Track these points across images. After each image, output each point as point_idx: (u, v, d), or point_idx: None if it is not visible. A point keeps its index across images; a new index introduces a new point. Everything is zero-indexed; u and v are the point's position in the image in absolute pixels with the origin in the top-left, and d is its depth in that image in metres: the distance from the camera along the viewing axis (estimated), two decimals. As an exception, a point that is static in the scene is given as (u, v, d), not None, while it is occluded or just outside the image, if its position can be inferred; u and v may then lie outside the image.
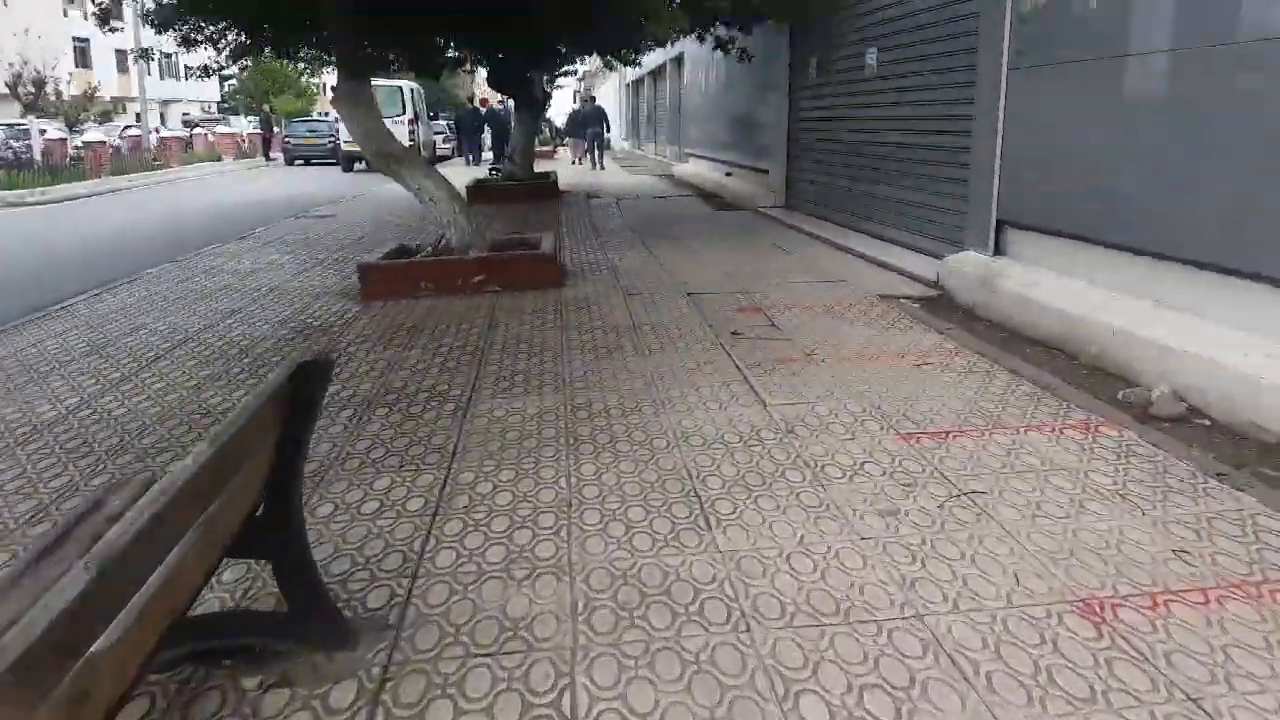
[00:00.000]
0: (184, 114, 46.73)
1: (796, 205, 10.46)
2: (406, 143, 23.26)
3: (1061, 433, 3.20)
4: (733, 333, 4.83)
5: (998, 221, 5.43)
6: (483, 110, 24.90)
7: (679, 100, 21.54)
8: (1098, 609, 2.06)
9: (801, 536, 2.48)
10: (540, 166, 17.98)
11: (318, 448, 3.33)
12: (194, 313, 5.79)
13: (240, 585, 2.35)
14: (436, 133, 29.51)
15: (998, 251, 5.47)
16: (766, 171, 11.57)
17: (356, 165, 24.62)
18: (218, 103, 51.17)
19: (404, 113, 23.32)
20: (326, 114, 26.50)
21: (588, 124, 22.67)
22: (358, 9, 5.54)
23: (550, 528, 2.59)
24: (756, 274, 6.54)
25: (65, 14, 39.17)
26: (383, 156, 6.04)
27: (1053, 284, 4.70)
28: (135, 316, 5.70)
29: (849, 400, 3.66)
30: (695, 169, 16.79)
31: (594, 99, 24.77)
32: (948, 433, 3.23)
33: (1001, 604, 2.10)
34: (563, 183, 14.62)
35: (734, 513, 2.65)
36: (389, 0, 5.87)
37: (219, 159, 27.56)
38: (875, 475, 2.89)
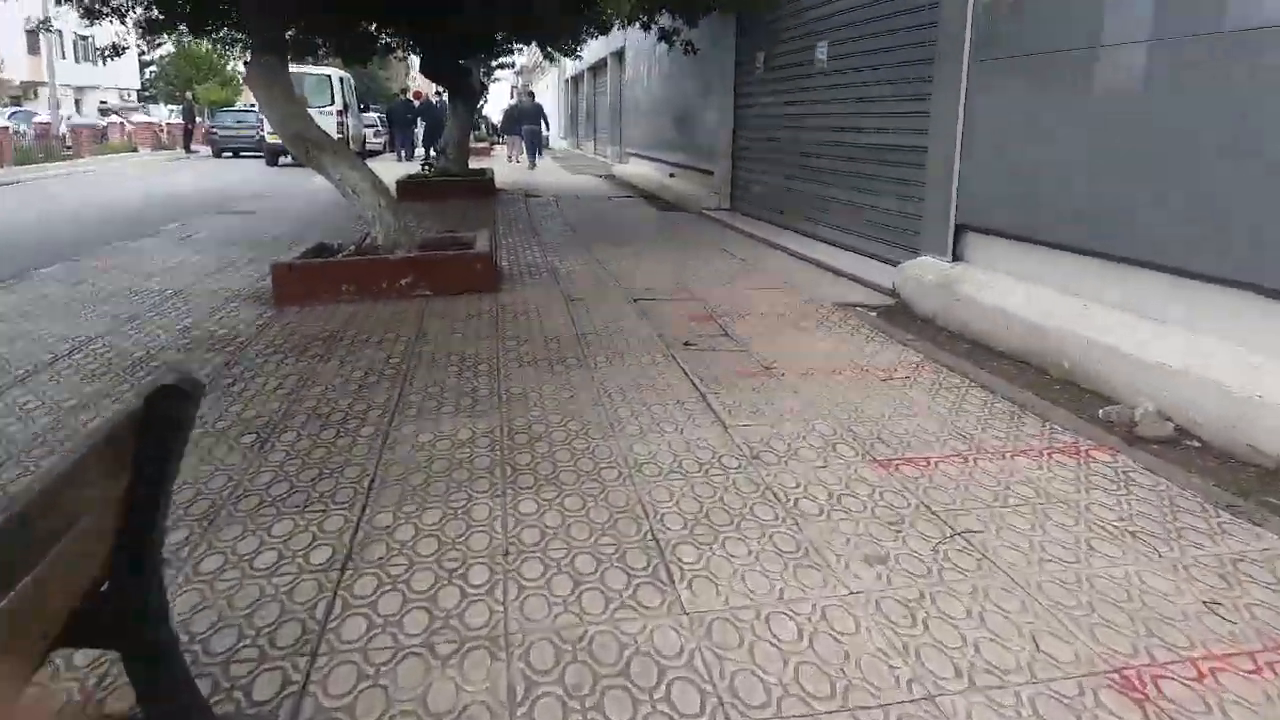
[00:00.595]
0: (101, 101, 44.29)
1: (742, 207, 10.19)
2: (335, 135, 22.40)
3: (1050, 457, 2.93)
4: (685, 343, 4.47)
5: (957, 226, 5.19)
6: (416, 103, 24.15)
7: (619, 97, 21.17)
8: (1137, 682, 1.75)
9: (781, 591, 2.12)
10: (477, 163, 17.40)
11: (210, 482, 2.85)
12: (87, 319, 5.16)
13: (95, 671, 1.88)
14: (368, 125, 28.52)
15: (956, 257, 5.24)
16: (711, 172, 11.28)
17: (282, 159, 23.56)
18: (138, 90, 48.75)
19: (333, 103, 22.40)
20: (254, 104, 25.35)
21: (524, 120, 22.14)
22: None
23: (482, 585, 2.18)
24: (705, 279, 6.20)
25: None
26: (301, 142, 5.51)
27: (1020, 292, 4.47)
28: (17, 323, 5.05)
29: (816, 420, 3.33)
30: (637, 169, 16.45)
31: (532, 95, 24.24)
32: (929, 459, 2.92)
33: (1025, 678, 1.78)
34: (499, 181, 14.09)
35: (699, 561, 2.28)
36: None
37: (134, 150, 26.09)
38: (855, 511, 2.55)
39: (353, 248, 6.07)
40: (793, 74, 8.29)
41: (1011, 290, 4.54)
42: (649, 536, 2.42)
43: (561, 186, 14.94)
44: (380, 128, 28.14)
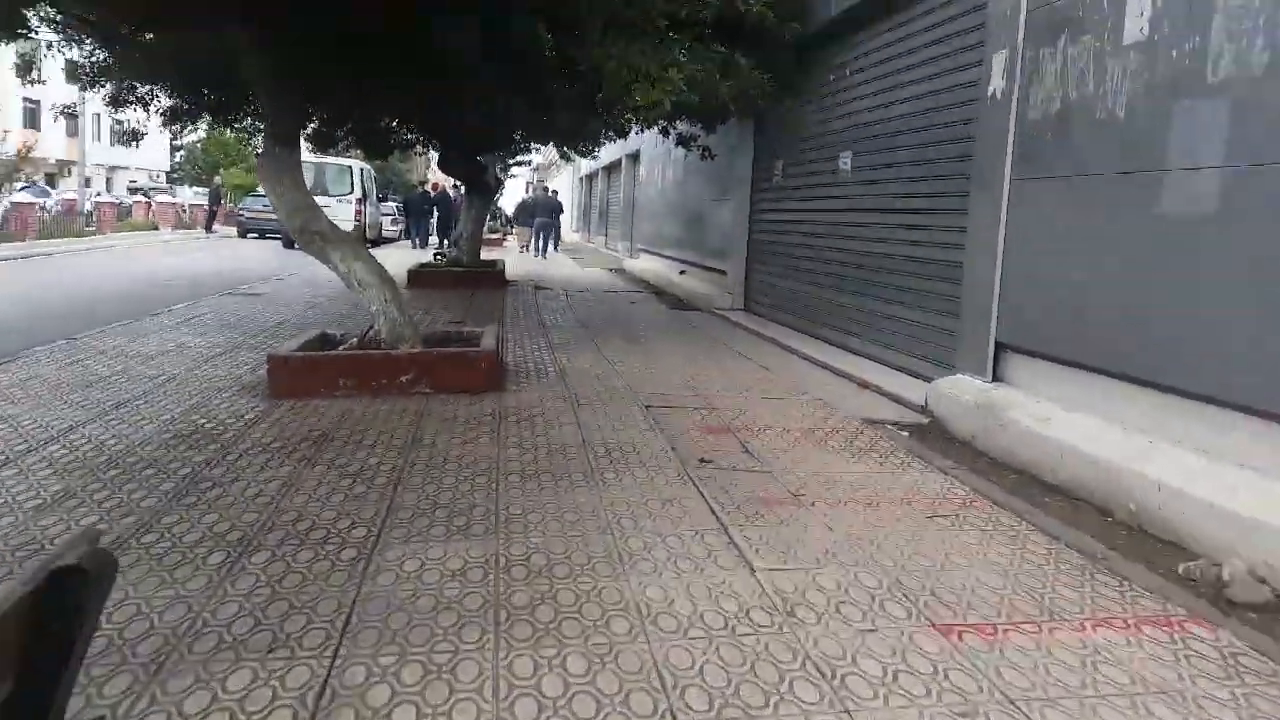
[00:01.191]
0: (130, 181, 45.42)
1: (756, 309, 9.97)
2: (353, 223, 22.65)
3: (1139, 630, 2.51)
4: (701, 460, 4.10)
5: (997, 344, 4.89)
6: (433, 193, 24.57)
7: (633, 195, 21.42)
8: None
9: (835, 813, 1.69)
10: (489, 254, 17.43)
11: (167, 613, 2.46)
12: (71, 405, 4.83)
13: None
14: (385, 214, 29.02)
15: (996, 378, 4.91)
16: (724, 272, 11.13)
17: (299, 242, 23.79)
18: (167, 172, 50.11)
19: (352, 192, 22.81)
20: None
21: (537, 213, 22.68)
22: (278, 70, 4.88)
23: (464, 785, 1.76)
24: (720, 385, 5.87)
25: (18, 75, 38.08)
26: (307, 234, 5.30)
27: (1076, 423, 4.11)
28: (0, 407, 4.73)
29: (859, 567, 2.92)
30: (647, 265, 16.41)
31: (546, 189, 24.81)
32: (995, 626, 2.50)
33: None
34: (510, 272, 14.01)
35: (732, 761, 1.85)
36: (320, 64, 5.21)
37: (155, 228, 26.42)
38: (917, 695, 2.13)
39: (355, 340, 5.79)
40: (813, 181, 8.19)
41: (1063, 418, 4.19)
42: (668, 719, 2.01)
43: (572, 280, 14.86)
44: (397, 216, 28.58)
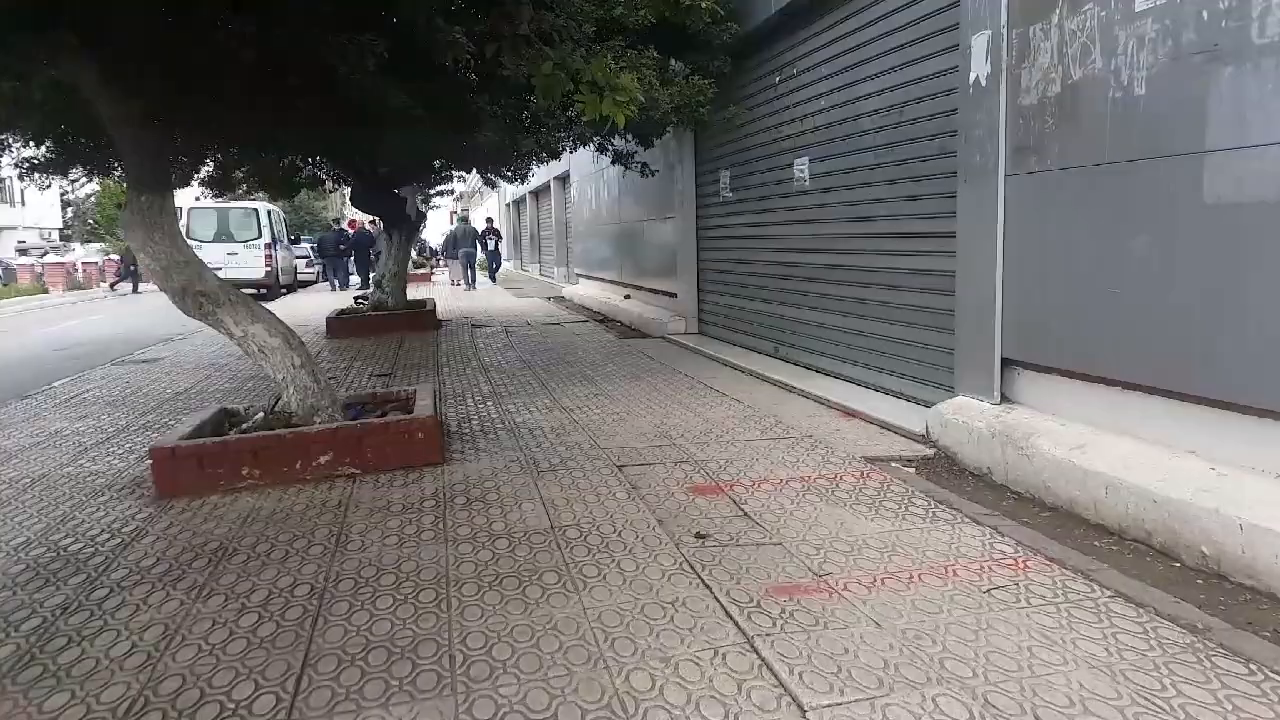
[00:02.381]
0: (19, 241, 42.58)
1: (711, 331, 9.35)
2: (263, 270, 21.32)
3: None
4: (697, 535, 3.39)
5: (1003, 360, 4.33)
6: (350, 231, 23.46)
7: (564, 218, 20.73)
8: None
9: None
10: (417, 292, 16.48)
11: None
12: (-111, 531, 3.86)
13: None
14: (299, 257, 27.69)
15: (1004, 398, 4.35)
16: (673, 294, 10.50)
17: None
18: (59, 230, 47.24)
19: (260, 236, 21.54)
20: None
21: (461, 244, 22.15)
22: (126, 99, 4.03)
23: None
24: (694, 428, 5.18)
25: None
26: (191, 296, 4.42)
27: (1114, 448, 3.54)
28: None
29: (933, 687, 2.24)
30: (588, 291, 15.71)
31: (465, 219, 24.26)
32: (1152, 776, 1.85)
33: None
34: (442, 309, 13.13)
35: None
36: (177, 91, 4.36)
37: (45, 291, 24.54)
38: None
39: (261, 415, 4.91)
40: (767, 192, 7.61)
41: (1099, 444, 3.61)
42: None
43: (510, 312, 14.04)
44: (313, 258, 27.26)
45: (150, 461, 4.29)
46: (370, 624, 2.75)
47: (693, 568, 3.09)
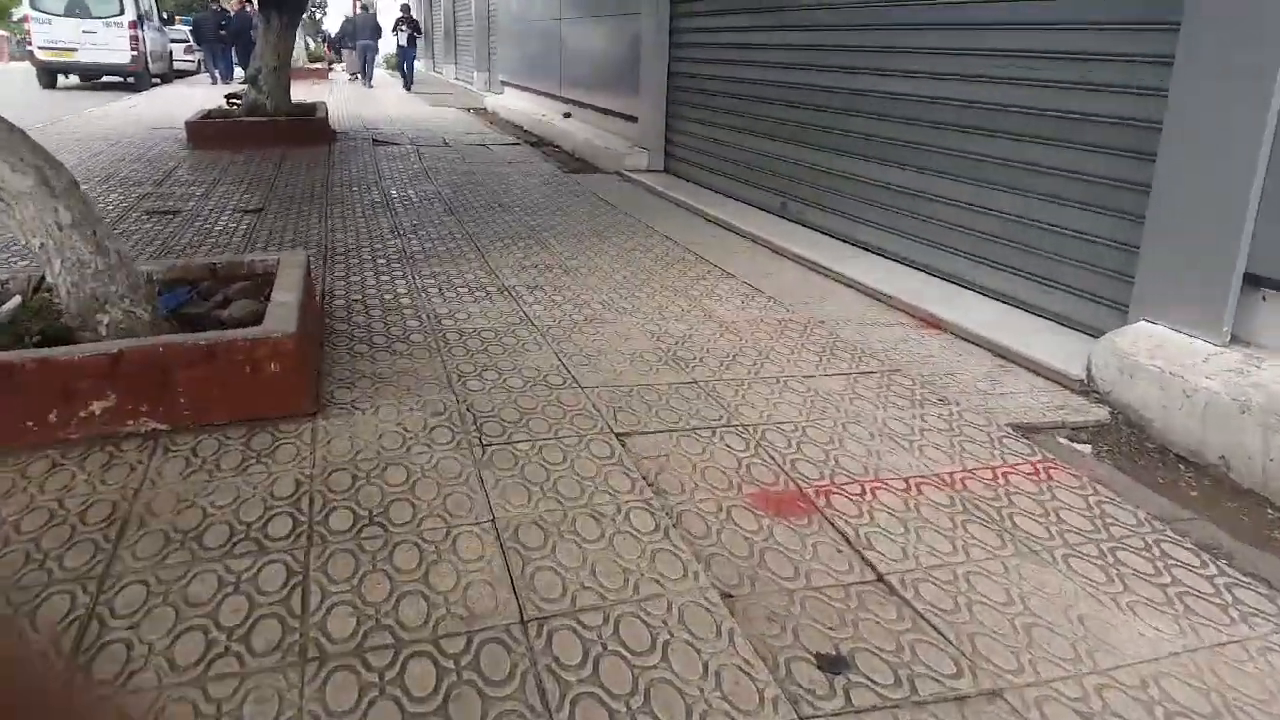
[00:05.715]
0: None
1: (685, 171, 7.36)
2: (129, 53, 17.53)
3: None
4: (819, 662, 1.72)
5: (1249, 277, 2.67)
6: (231, 13, 19.62)
7: (487, 11, 17.52)
8: None
9: None
10: (310, 94, 13.66)
11: None
12: None
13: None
14: (176, 40, 23.41)
15: (1234, 337, 2.74)
16: (632, 118, 8.34)
17: (62, 78, 18.58)
18: None
19: (123, 13, 17.63)
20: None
21: (360, 34, 19.13)
22: None
23: None
24: (714, 344, 3.41)
25: None
26: None
27: None
28: None
29: None
30: (516, 104, 13.17)
31: (366, 7, 20.94)
32: None
33: None
34: (338, 115, 10.59)
35: None
36: None
37: None
38: None
39: (8, 306, 2.90)
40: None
41: None
42: None
43: (421, 125, 11.51)
44: (194, 44, 22.93)
45: None
46: None
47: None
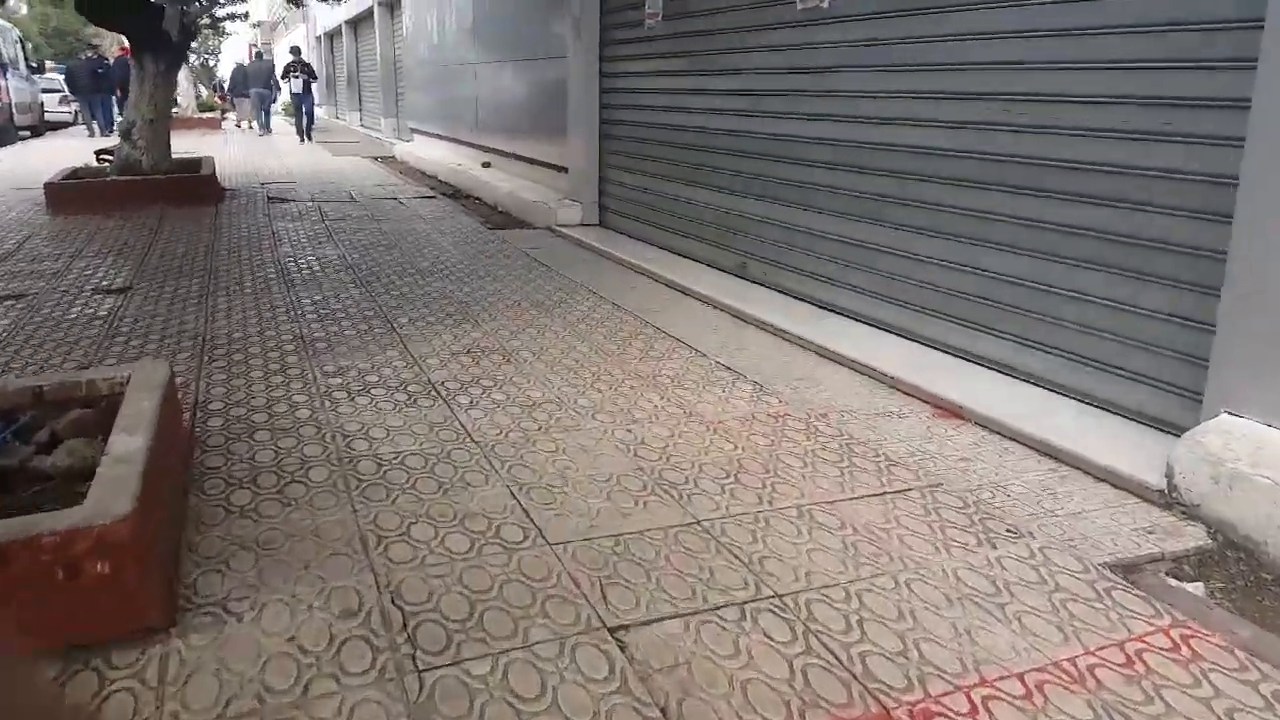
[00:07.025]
0: None
1: (622, 225, 6.73)
2: (-7, 103, 16.02)
3: None
4: None
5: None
6: (111, 60, 18.31)
7: (394, 56, 16.74)
8: None
9: None
10: (199, 145, 12.58)
11: None
12: None
13: None
14: (48, 90, 21.73)
15: (1359, 435, 2.22)
16: (561, 169, 7.70)
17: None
18: None
19: (-18, 62, 16.17)
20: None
21: (252, 82, 18.24)
22: None
23: None
24: (707, 456, 2.73)
25: None
26: None
27: None
28: None
29: None
30: (429, 152, 12.38)
31: (260, 56, 20.14)
32: None
33: None
34: (228, 167, 9.59)
35: None
36: None
37: None
38: None
39: None
40: (736, 21, 4.91)
41: None
42: None
43: (324, 178, 10.60)
44: (68, 94, 21.30)
45: None
46: None
47: None
